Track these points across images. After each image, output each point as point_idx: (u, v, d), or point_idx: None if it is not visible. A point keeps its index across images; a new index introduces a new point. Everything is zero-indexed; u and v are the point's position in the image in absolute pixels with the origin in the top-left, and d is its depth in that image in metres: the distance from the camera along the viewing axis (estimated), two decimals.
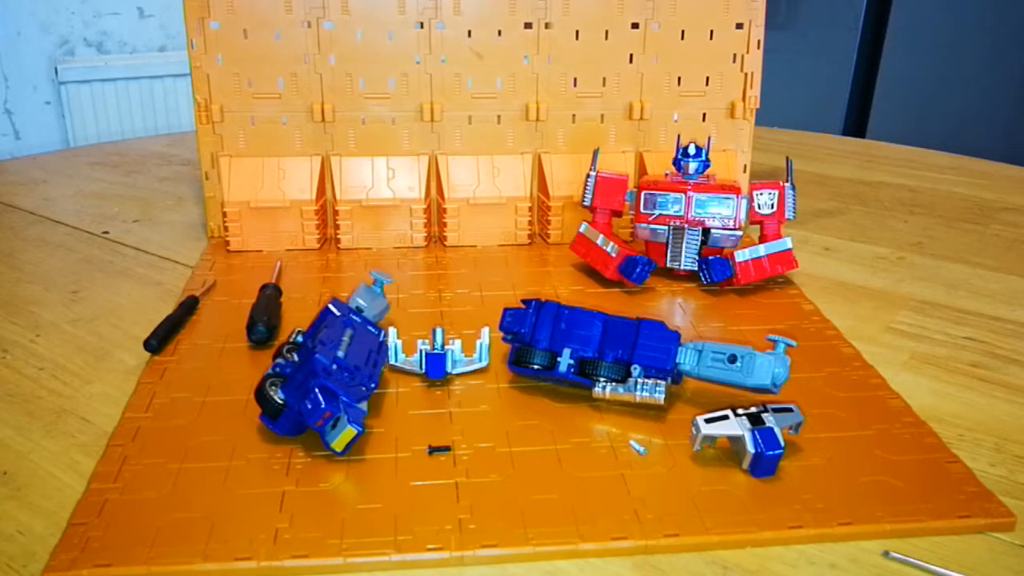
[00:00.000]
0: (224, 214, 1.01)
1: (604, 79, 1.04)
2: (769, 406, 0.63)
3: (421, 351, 0.74)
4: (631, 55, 1.04)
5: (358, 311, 0.74)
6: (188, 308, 0.85)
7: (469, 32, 1.02)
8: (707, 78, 1.06)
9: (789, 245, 0.92)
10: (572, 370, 0.70)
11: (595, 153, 0.98)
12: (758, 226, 0.95)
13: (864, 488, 0.61)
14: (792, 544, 0.57)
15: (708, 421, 0.62)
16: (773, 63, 1.18)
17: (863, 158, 1.49)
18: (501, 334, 0.74)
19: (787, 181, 0.94)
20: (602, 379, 0.69)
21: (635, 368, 0.69)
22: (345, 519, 0.57)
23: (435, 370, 0.73)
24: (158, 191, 1.27)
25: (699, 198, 0.92)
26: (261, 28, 0.99)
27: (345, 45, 1.01)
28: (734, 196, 0.92)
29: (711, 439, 0.63)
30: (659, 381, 0.68)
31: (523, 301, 0.74)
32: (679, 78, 1.05)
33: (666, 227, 0.93)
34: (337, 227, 1.03)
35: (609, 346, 0.70)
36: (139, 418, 0.68)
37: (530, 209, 1.05)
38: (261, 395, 0.64)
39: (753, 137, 1.09)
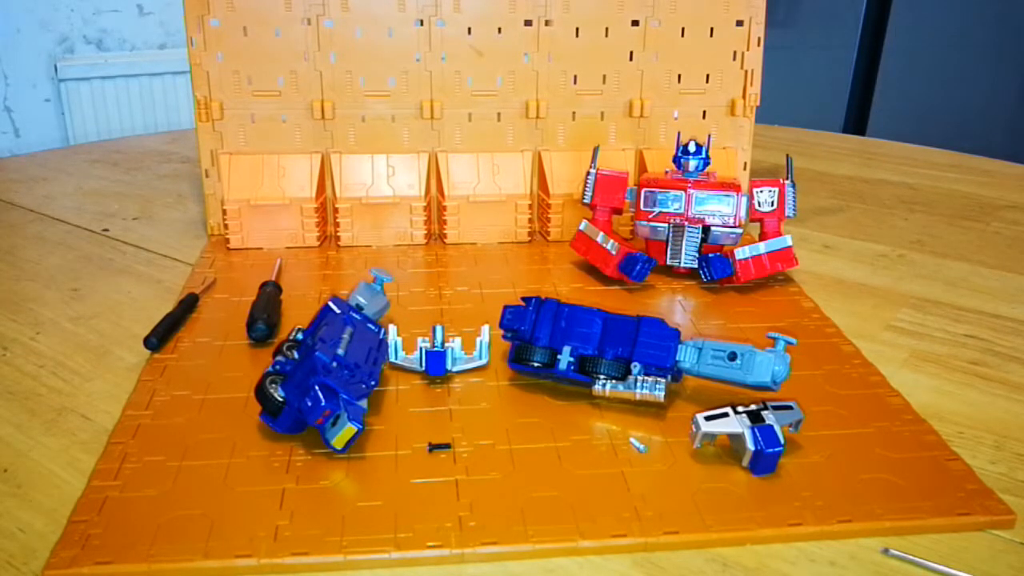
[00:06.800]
0: (224, 212, 1.01)
1: (604, 76, 1.04)
2: (769, 403, 0.63)
3: (421, 348, 0.74)
4: (631, 52, 1.04)
5: (358, 309, 0.74)
6: (188, 306, 0.85)
7: (469, 29, 1.01)
8: (707, 75, 1.06)
9: (789, 243, 0.92)
10: (572, 367, 0.70)
11: (595, 151, 0.97)
12: (758, 223, 0.95)
13: (864, 486, 0.61)
14: (792, 541, 0.57)
15: (708, 418, 0.62)
16: (773, 60, 1.18)
17: (863, 156, 1.49)
18: (501, 332, 0.74)
19: (787, 179, 0.94)
20: (602, 376, 0.69)
21: (635, 366, 0.69)
22: (345, 516, 0.57)
23: (435, 368, 0.73)
24: (158, 189, 1.27)
25: (699, 196, 0.92)
26: (261, 25, 0.99)
27: (345, 42, 1.01)
28: (734, 194, 0.92)
29: (711, 436, 0.63)
30: (659, 379, 0.68)
31: (523, 299, 0.74)
32: (679, 75, 1.05)
33: (666, 225, 0.93)
34: (337, 225, 1.03)
35: (609, 343, 0.70)
36: (139, 416, 0.68)
37: (530, 207, 1.05)
38: (261, 393, 0.64)
39: (753, 134, 1.09)
